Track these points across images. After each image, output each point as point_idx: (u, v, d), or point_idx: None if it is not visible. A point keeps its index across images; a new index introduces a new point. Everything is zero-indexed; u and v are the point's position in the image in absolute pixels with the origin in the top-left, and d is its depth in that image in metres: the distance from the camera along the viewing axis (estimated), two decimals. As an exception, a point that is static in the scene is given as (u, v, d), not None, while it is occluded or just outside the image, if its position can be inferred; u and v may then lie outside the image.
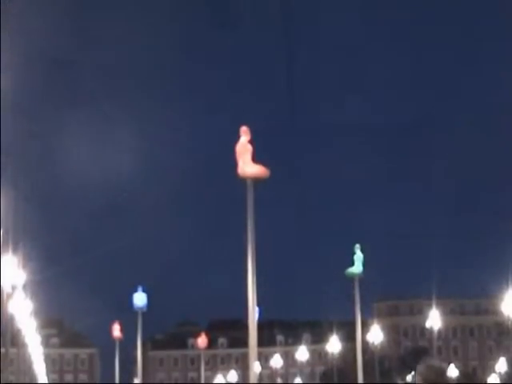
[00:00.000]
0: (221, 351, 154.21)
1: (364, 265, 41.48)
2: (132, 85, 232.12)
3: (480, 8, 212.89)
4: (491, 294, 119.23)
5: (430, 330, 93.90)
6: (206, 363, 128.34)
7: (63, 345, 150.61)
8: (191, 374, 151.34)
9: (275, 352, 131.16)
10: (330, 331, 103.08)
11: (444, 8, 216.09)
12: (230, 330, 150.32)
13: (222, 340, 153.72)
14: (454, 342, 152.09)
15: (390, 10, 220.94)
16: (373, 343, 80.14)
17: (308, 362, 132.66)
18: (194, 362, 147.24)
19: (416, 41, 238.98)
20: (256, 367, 23.22)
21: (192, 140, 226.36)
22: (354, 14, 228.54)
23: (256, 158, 22.59)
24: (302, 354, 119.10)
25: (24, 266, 46.03)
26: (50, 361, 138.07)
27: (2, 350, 44.32)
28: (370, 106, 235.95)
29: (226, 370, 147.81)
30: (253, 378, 23.40)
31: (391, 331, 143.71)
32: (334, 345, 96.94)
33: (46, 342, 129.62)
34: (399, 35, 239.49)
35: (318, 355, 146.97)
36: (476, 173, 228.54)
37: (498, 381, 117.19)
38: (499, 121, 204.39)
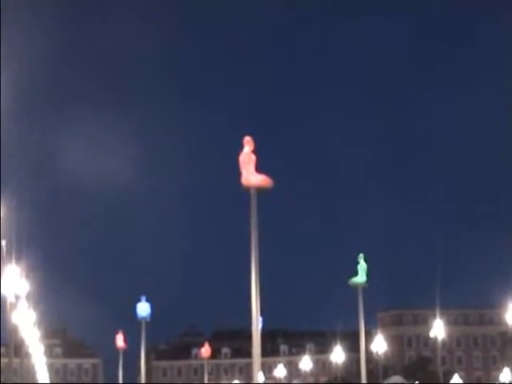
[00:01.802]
0: (224, 361, 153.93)
1: (368, 275, 41.37)
2: (136, 94, 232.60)
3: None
4: (495, 304, 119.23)
5: (434, 340, 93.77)
6: (210, 373, 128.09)
7: (66, 355, 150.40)
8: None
9: (279, 362, 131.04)
10: (334, 341, 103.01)
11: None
12: (233, 339, 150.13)
13: (225, 350, 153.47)
14: (458, 351, 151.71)
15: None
16: (377, 353, 79.98)
17: (312, 371, 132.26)
18: (198, 371, 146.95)
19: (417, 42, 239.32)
20: (260, 377, 23.15)
21: (196, 150, 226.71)
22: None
23: (259, 168, 22.62)
24: (306, 363, 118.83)
25: (27, 276, 46.04)
26: (53, 371, 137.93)
27: (6, 360, 44.27)
28: (372, 111, 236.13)
29: (229, 380, 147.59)
30: (256, 388, 23.35)
31: (395, 341, 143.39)
32: (337, 355, 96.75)
33: (50, 352, 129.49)
34: (399, 34, 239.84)
35: (322, 365, 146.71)
36: (480, 183, 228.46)
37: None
38: (502, 126, 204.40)
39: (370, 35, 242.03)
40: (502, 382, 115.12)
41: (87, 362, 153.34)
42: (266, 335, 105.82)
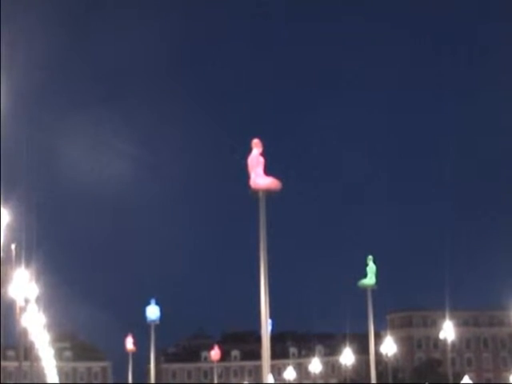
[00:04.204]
0: (234, 364, 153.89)
1: (377, 276, 41.39)
2: (142, 96, 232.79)
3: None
4: (505, 306, 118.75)
5: (444, 342, 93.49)
6: (219, 376, 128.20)
7: (76, 358, 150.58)
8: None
9: (288, 364, 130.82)
10: (344, 343, 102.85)
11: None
12: (243, 342, 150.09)
13: (235, 352, 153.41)
14: (468, 353, 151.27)
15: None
16: (386, 355, 79.84)
17: (321, 374, 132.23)
18: (207, 374, 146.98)
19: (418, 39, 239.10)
20: (269, 379, 23.14)
21: (204, 153, 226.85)
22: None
23: (267, 171, 22.63)
24: (316, 366, 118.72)
25: (37, 280, 46.12)
26: (63, 374, 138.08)
27: (16, 363, 44.34)
28: (380, 116, 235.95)
29: (239, 383, 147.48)
30: (266, 390, 23.33)
31: (405, 343, 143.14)
32: (347, 357, 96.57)
33: (59, 356, 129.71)
34: (399, 34, 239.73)
35: (332, 367, 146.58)
36: (491, 183, 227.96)
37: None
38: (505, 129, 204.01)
39: (376, 36, 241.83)
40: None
41: (97, 366, 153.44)
42: (275, 338, 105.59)
